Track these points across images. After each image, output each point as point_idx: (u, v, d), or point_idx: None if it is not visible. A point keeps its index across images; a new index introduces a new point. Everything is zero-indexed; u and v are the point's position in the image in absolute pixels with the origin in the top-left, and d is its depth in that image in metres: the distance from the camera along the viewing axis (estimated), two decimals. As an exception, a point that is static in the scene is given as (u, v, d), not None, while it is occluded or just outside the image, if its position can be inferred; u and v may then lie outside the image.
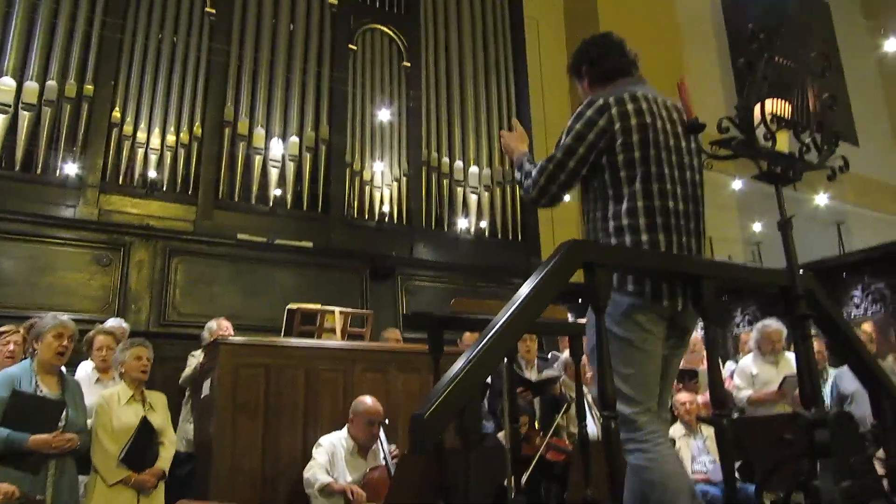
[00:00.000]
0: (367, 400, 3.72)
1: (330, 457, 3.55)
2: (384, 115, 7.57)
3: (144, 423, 3.34)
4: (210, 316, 5.18)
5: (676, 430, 4.82)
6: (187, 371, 4.77)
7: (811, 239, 9.32)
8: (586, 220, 2.13)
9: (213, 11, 6.85)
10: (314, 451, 3.62)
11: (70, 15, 6.09)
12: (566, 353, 5.37)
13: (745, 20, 11.02)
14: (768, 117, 1.80)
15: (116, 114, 6.14)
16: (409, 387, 4.29)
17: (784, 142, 1.85)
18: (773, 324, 5.63)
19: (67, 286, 5.43)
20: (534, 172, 2.08)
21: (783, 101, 1.86)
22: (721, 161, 1.87)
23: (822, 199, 8.36)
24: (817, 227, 8.83)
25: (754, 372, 5.48)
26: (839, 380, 5.39)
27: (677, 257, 1.92)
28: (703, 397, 5.33)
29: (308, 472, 3.49)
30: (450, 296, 6.23)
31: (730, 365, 6.03)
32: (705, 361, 5.68)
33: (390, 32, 8.00)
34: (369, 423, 3.65)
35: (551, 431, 4.37)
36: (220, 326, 4.99)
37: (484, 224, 7.77)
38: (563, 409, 4.57)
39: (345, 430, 3.73)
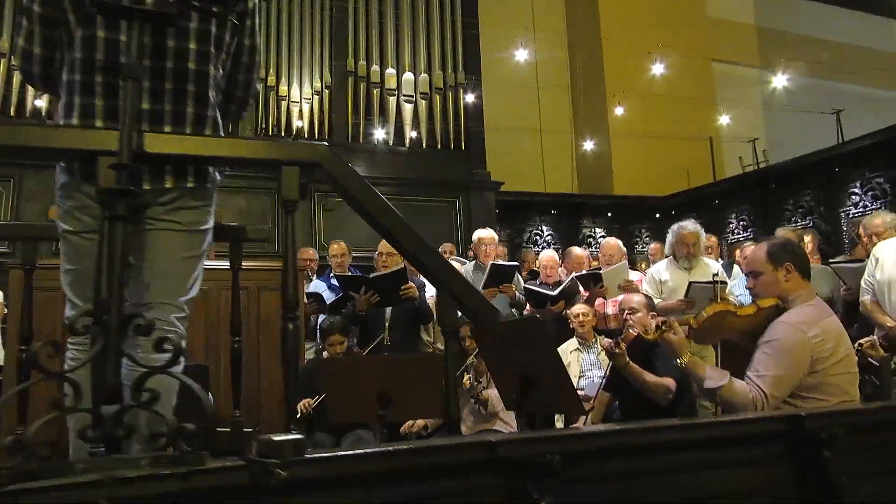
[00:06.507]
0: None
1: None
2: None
3: None
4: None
5: (570, 344, 4.38)
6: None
7: (812, 130, 8.16)
8: None
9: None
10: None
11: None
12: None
13: None
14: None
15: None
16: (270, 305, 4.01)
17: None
18: (689, 225, 4.99)
19: None
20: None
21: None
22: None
23: (780, 81, 7.16)
24: (817, 116, 7.70)
25: (664, 278, 4.88)
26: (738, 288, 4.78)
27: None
28: (612, 303, 4.88)
29: None
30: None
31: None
32: (610, 264, 5.19)
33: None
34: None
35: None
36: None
37: (415, 134, 7.33)
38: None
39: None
